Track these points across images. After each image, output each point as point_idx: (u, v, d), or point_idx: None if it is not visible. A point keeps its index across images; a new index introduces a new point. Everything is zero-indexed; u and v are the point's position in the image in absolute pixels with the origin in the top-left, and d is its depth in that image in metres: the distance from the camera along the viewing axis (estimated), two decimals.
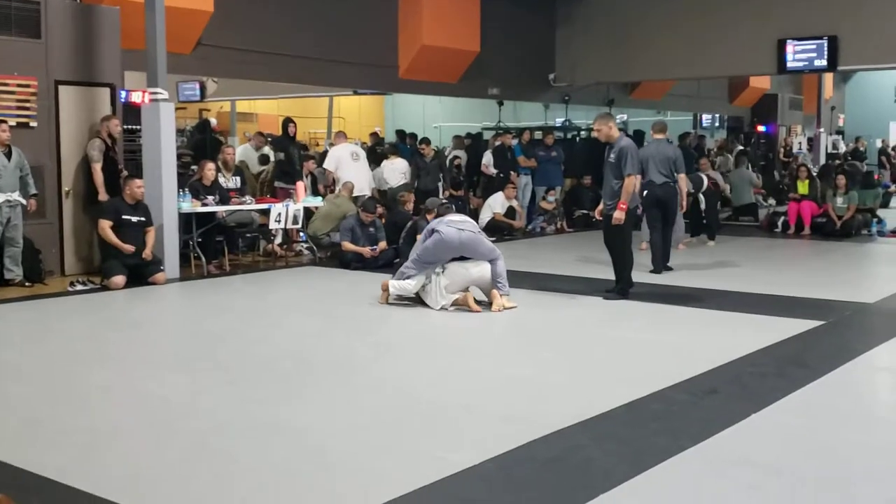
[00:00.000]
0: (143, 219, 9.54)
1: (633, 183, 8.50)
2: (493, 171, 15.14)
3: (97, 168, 9.96)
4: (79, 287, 9.20)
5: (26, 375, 5.97)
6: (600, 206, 9.03)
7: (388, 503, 3.72)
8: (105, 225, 9.33)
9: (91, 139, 10.03)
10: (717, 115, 26.44)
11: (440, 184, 14.28)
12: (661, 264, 10.38)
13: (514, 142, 15.68)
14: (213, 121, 18.31)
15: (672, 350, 6.67)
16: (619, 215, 8.51)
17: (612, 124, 8.85)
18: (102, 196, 9.88)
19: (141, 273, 9.39)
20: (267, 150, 13.55)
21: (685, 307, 8.34)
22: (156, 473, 4.15)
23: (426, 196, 12.53)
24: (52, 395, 5.50)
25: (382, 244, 10.77)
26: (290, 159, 12.43)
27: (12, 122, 9.40)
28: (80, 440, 4.63)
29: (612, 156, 8.64)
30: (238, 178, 11.35)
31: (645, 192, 10.28)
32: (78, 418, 5.02)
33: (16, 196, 9.21)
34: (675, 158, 10.62)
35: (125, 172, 10.13)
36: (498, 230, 13.65)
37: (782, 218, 14.90)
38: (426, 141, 14.87)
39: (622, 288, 8.71)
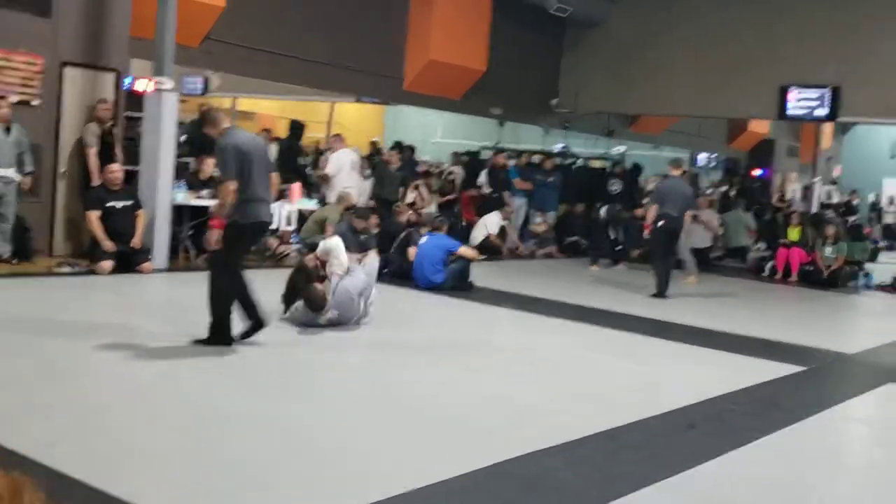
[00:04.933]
0: (129, 203, 9.51)
1: (231, 190, 6.32)
2: (487, 190, 15.19)
3: (92, 153, 9.93)
4: (66, 269, 9.17)
5: (9, 352, 5.94)
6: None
7: None
8: (93, 216, 9.30)
9: (87, 123, 10.02)
10: (714, 155, 26.59)
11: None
12: (664, 288, 11.06)
13: (512, 163, 15.72)
14: None
15: (652, 382, 6.71)
16: (212, 235, 6.51)
17: (219, 122, 6.62)
18: (95, 181, 9.84)
19: (128, 260, 9.37)
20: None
21: (667, 341, 8.36)
22: (139, 458, 4.15)
23: (386, 205, 12.55)
24: (38, 373, 5.49)
25: (372, 253, 10.76)
26: (294, 160, 12.61)
27: (14, 98, 9.38)
28: (64, 422, 4.62)
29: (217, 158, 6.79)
30: None
31: (660, 223, 11.01)
32: (60, 398, 5.01)
33: (11, 173, 9.19)
34: (690, 197, 11.48)
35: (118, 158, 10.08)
36: (488, 250, 13.66)
37: (770, 262, 14.99)
38: (397, 147, 14.68)
39: (219, 337, 6.48)
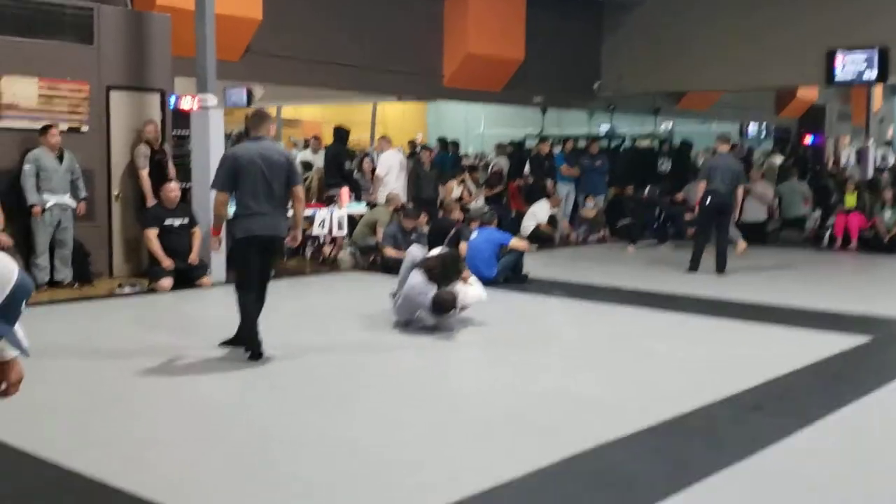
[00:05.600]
0: (185, 220, 9.67)
1: (219, 202, 6.54)
2: (531, 179, 15.16)
3: (144, 175, 10.10)
4: (126, 289, 9.34)
5: (74, 378, 6.07)
6: None
7: None
8: (151, 234, 9.46)
9: (136, 145, 10.19)
10: (764, 125, 26.20)
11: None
12: (721, 265, 11.00)
13: (557, 150, 15.66)
14: None
15: (715, 365, 6.62)
16: (212, 242, 7.13)
17: (255, 128, 6.68)
18: (150, 202, 10.01)
19: (188, 276, 9.52)
20: (310, 156, 13.74)
21: (728, 320, 8.27)
22: (201, 479, 4.22)
23: (425, 203, 12.58)
24: (99, 398, 5.60)
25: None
26: (341, 165, 12.80)
27: (64, 126, 9.58)
28: (128, 443, 4.72)
29: None
30: None
31: (709, 199, 10.91)
32: (125, 421, 5.11)
33: (66, 199, 9.38)
34: (740, 173, 11.31)
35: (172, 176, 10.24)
36: (540, 239, 13.64)
37: (829, 231, 14.71)
38: (429, 148, 14.84)
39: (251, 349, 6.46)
